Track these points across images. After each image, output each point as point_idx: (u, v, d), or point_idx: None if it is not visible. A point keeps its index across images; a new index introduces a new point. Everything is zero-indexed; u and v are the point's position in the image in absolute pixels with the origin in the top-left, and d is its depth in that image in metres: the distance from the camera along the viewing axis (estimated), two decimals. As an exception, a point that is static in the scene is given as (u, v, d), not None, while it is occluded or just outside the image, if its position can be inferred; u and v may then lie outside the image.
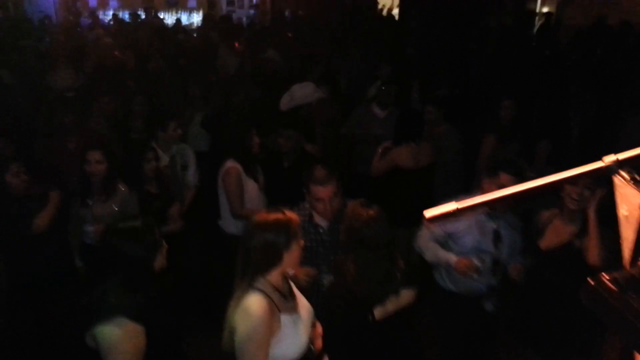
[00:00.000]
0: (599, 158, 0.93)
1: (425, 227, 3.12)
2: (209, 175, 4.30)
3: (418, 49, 8.10)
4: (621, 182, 0.94)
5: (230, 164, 3.70)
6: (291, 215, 2.22)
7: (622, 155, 0.91)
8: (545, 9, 13.05)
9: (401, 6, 14.32)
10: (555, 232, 2.99)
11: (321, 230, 2.93)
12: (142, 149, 3.76)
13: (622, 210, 0.99)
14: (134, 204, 3.59)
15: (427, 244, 3.12)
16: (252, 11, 15.68)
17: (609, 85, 5.79)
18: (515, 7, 11.47)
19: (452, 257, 2.97)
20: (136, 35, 9.36)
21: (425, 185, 4.04)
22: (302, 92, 4.95)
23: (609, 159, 0.93)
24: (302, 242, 2.24)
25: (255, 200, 3.74)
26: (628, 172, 0.93)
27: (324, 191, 2.82)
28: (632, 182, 0.96)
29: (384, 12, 14.12)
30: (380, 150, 4.14)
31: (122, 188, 3.55)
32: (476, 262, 2.92)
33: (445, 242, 3.09)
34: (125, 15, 13.44)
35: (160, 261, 2.33)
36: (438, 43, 8.50)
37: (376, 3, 14.48)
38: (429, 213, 1.13)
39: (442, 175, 4.25)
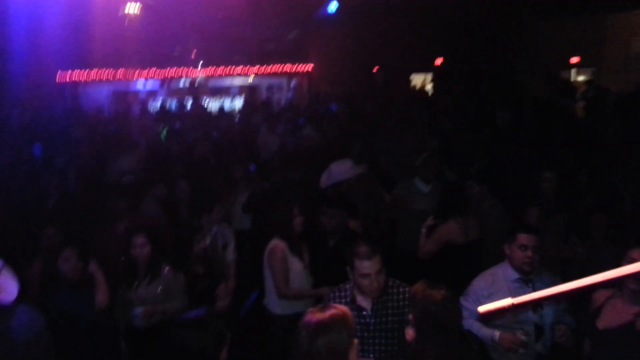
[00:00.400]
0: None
1: (463, 307, 3.02)
2: (251, 255, 4.35)
3: (454, 123, 8.20)
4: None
5: (276, 242, 3.74)
6: (344, 308, 2.14)
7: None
8: (580, 77, 13.12)
9: (434, 83, 14.75)
10: (615, 312, 2.83)
11: (365, 313, 2.79)
12: (192, 231, 3.88)
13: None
14: (179, 285, 3.65)
15: (469, 323, 3.00)
16: (290, 94, 16.45)
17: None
18: (549, 78, 11.58)
19: (496, 333, 2.90)
20: (183, 124, 9.91)
21: (475, 260, 3.94)
22: (340, 169, 5.04)
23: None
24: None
25: (301, 280, 3.73)
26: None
27: (369, 266, 2.71)
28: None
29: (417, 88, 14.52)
30: (424, 230, 4.09)
31: (166, 270, 3.63)
32: (521, 335, 2.81)
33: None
34: (172, 104, 14.39)
35: (225, 353, 2.20)
36: (473, 116, 8.60)
37: (409, 81, 14.96)
38: (483, 308, 1.12)
39: (490, 250, 4.14)
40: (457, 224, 4.05)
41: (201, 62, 15.33)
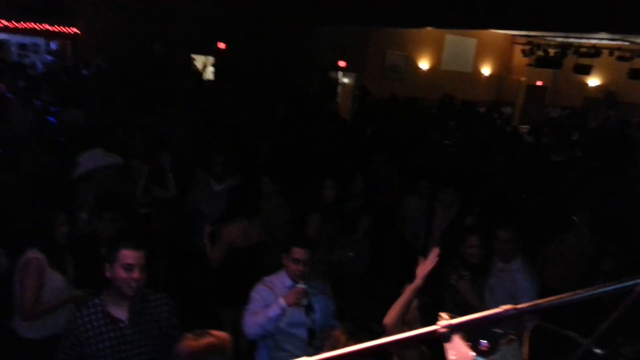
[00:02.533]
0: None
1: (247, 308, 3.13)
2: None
3: (239, 115, 8.25)
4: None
5: (31, 254, 3.16)
6: (221, 335, 2.03)
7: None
8: (346, 80, 14.60)
9: (216, 67, 14.55)
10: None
11: (121, 325, 2.56)
12: None
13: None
14: None
15: (255, 317, 3.08)
16: (49, 57, 14.24)
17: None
18: (321, 78, 12.57)
19: (280, 300, 3.03)
20: None
21: (257, 263, 4.00)
22: (90, 158, 4.38)
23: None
24: None
25: (60, 296, 3.23)
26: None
27: (134, 256, 2.51)
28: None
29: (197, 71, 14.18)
30: (206, 241, 3.94)
31: None
32: (299, 286, 3.04)
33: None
34: None
35: None
36: (255, 108, 8.80)
37: (190, 60, 14.49)
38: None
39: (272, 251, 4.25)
40: (240, 226, 4.02)
41: None
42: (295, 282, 3.11)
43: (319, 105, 10.05)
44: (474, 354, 1.04)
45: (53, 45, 14.47)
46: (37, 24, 13.22)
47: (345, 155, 6.44)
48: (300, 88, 11.42)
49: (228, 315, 3.99)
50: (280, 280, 3.18)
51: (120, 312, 2.57)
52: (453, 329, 0.99)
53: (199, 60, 14.61)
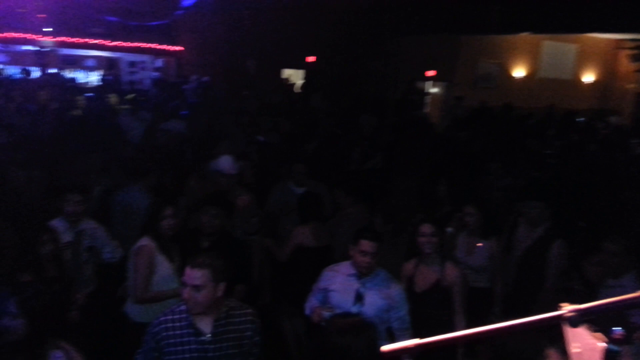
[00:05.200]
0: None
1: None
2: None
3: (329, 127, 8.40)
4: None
5: (144, 241, 3.44)
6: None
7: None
8: (434, 90, 14.35)
9: (306, 80, 14.94)
10: (422, 276, 3.41)
11: (203, 338, 2.48)
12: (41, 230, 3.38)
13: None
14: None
15: (311, 297, 3.29)
16: (155, 74, 15.42)
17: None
18: (409, 88, 12.46)
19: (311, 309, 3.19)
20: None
21: (324, 264, 4.07)
22: (226, 163, 4.75)
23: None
24: None
25: (169, 283, 3.46)
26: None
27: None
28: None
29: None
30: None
31: None
32: (324, 311, 3.04)
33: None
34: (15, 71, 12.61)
35: None
36: (342, 119, 8.91)
37: (280, 74, 15.01)
38: (387, 347, 1.11)
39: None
40: (310, 228, 4.22)
41: (51, 28, 13.64)
42: (361, 273, 3.14)
43: (407, 116, 9.95)
44: (603, 344, 0.97)
45: (159, 63, 15.66)
46: (146, 43, 14.42)
47: (434, 162, 6.33)
48: (385, 99, 11.38)
49: (287, 311, 4.06)
50: (345, 268, 3.24)
51: (205, 324, 2.49)
52: (582, 315, 0.94)
53: (290, 74, 15.10)
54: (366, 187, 5.16)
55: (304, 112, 9.64)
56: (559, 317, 0.96)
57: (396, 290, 3.20)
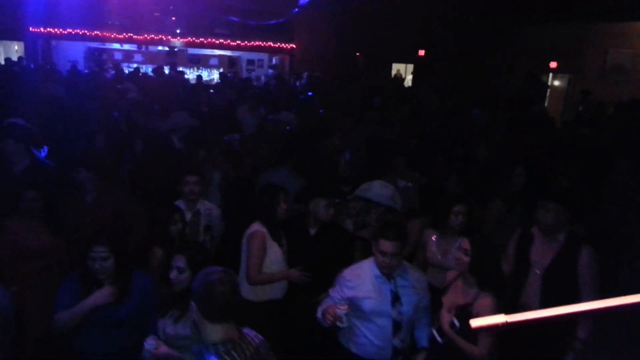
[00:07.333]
0: None
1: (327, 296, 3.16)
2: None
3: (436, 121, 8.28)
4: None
5: (256, 227, 3.69)
6: None
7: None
8: (556, 82, 13.41)
9: (415, 74, 14.82)
10: (455, 292, 3.00)
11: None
12: (168, 210, 3.74)
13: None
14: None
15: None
16: (270, 71, 16.21)
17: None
18: (528, 81, 11.78)
19: (319, 311, 3.04)
20: (161, 90, 9.66)
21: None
22: (383, 191, 4.06)
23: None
24: None
25: (279, 267, 3.70)
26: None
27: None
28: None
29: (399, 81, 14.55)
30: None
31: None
32: (339, 309, 2.86)
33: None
34: (148, 70, 14.00)
35: None
36: (451, 114, 8.71)
37: (390, 69, 14.98)
38: (476, 322, 1.14)
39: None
40: (421, 223, 4.12)
41: (179, 30, 14.93)
42: (383, 273, 2.98)
43: (523, 111, 9.41)
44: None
45: (275, 60, 16.42)
46: (263, 42, 15.22)
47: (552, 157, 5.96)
48: (499, 93, 10.84)
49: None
50: (369, 269, 3.06)
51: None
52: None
53: (399, 68, 15.02)
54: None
55: (412, 106, 9.55)
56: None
57: (422, 279, 3.16)
